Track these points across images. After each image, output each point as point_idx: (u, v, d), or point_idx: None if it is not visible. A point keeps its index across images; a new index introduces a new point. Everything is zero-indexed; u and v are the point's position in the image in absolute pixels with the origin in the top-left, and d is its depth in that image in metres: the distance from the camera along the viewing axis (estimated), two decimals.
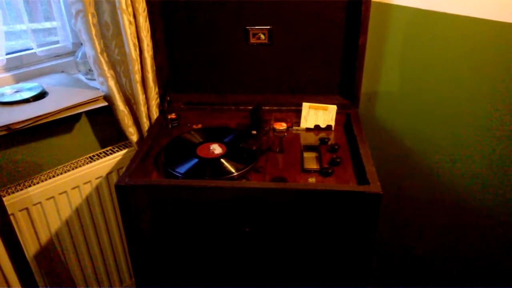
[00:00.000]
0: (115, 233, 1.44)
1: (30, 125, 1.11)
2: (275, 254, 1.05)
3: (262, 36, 1.25)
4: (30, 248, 1.23)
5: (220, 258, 1.08)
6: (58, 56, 1.40)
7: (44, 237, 1.26)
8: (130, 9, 1.15)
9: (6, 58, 1.26)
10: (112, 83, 1.22)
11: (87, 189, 1.31)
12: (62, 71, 1.40)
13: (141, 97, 1.27)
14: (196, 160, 1.10)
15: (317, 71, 1.29)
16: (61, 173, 1.26)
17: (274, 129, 1.19)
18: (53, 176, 1.24)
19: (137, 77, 1.23)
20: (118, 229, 1.45)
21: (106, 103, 1.25)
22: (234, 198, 0.97)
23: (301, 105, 1.26)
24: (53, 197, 1.23)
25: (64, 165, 1.30)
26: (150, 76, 1.26)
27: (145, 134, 1.32)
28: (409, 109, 1.29)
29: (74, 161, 1.33)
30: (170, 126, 1.29)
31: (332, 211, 0.96)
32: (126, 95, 1.30)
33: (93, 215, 1.36)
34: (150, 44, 1.23)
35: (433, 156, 1.27)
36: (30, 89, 1.23)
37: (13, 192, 1.16)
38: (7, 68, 1.30)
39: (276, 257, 1.06)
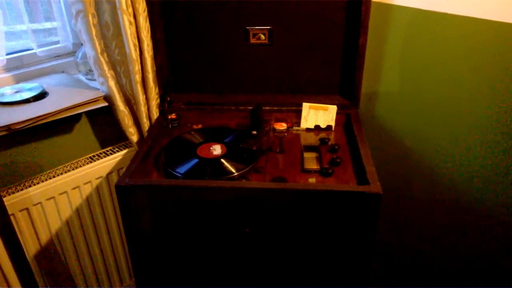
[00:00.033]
0: (115, 233, 1.45)
1: (30, 125, 1.11)
2: (275, 255, 1.05)
3: (262, 36, 1.25)
4: (30, 248, 1.24)
5: (220, 258, 1.08)
6: (58, 56, 1.40)
7: (44, 237, 1.26)
8: (130, 9, 1.15)
9: (7, 59, 1.26)
10: (112, 83, 1.22)
11: (87, 189, 1.31)
12: (63, 72, 1.40)
13: (141, 97, 1.27)
14: (196, 160, 1.10)
15: (317, 71, 1.29)
16: (61, 173, 1.26)
17: (274, 129, 1.19)
18: (53, 176, 1.24)
19: (137, 77, 1.23)
20: (118, 229, 1.45)
21: (106, 104, 1.25)
22: (234, 198, 0.97)
23: (301, 105, 1.26)
24: (53, 197, 1.23)
25: (64, 165, 1.30)
26: (150, 76, 1.26)
27: (145, 134, 1.32)
28: (409, 109, 1.29)
29: (74, 161, 1.33)
30: (170, 126, 1.29)
31: (332, 211, 0.96)
32: (126, 95, 1.30)
33: (93, 215, 1.36)
34: (150, 44, 1.23)
35: (433, 156, 1.27)
36: (30, 89, 1.23)
37: (13, 192, 1.17)
38: (7, 69, 1.30)
39: (276, 258, 1.06)
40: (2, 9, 1.21)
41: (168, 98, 1.31)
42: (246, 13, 1.23)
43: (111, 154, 1.36)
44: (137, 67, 1.22)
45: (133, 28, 1.17)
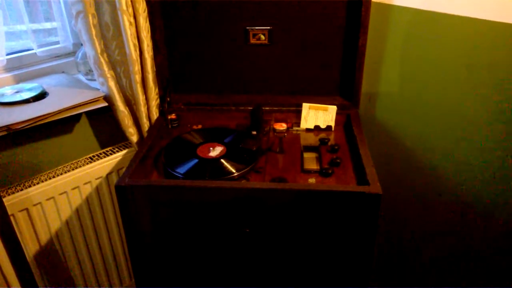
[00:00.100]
0: (115, 233, 1.45)
1: (30, 126, 1.11)
2: (275, 255, 1.05)
3: (262, 37, 1.25)
4: (30, 248, 1.23)
5: (220, 259, 1.08)
6: (58, 56, 1.40)
7: (44, 238, 1.26)
8: (130, 9, 1.15)
9: (7, 59, 1.26)
10: (112, 83, 1.22)
11: (87, 190, 1.31)
12: (62, 72, 1.40)
13: (141, 98, 1.27)
14: (196, 161, 1.10)
15: (317, 71, 1.29)
16: (61, 174, 1.26)
17: (274, 130, 1.19)
18: (53, 177, 1.24)
19: (137, 77, 1.23)
20: (118, 230, 1.45)
21: (106, 104, 1.25)
22: (234, 199, 0.97)
23: (301, 106, 1.26)
24: (53, 197, 1.23)
25: (64, 165, 1.30)
26: (150, 76, 1.26)
27: (145, 134, 1.32)
28: (409, 109, 1.29)
29: (74, 161, 1.33)
30: (170, 126, 1.29)
31: (332, 211, 0.96)
32: (126, 95, 1.30)
33: (93, 216, 1.36)
34: (150, 44, 1.23)
35: (433, 156, 1.27)
36: (30, 89, 1.23)
37: (13, 193, 1.17)
38: (7, 69, 1.30)
39: (276, 258, 1.06)
40: (2, 9, 1.21)
41: (168, 99, 1.31)
42: (246, 13, 1.23)
43: (111, 154, 1.36)
44: (137, 67, 1.22)
45: (133, 29, 1.17)
